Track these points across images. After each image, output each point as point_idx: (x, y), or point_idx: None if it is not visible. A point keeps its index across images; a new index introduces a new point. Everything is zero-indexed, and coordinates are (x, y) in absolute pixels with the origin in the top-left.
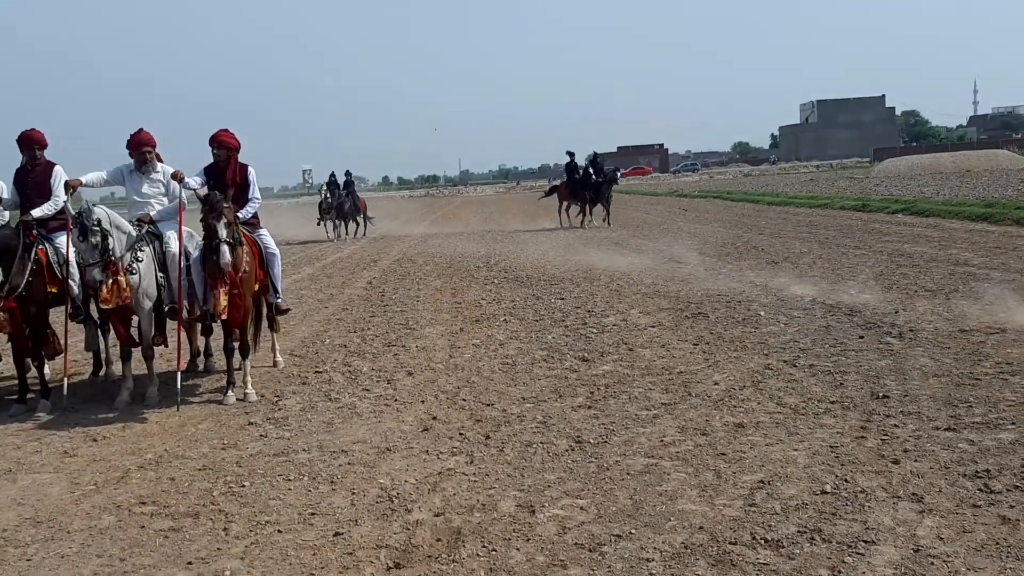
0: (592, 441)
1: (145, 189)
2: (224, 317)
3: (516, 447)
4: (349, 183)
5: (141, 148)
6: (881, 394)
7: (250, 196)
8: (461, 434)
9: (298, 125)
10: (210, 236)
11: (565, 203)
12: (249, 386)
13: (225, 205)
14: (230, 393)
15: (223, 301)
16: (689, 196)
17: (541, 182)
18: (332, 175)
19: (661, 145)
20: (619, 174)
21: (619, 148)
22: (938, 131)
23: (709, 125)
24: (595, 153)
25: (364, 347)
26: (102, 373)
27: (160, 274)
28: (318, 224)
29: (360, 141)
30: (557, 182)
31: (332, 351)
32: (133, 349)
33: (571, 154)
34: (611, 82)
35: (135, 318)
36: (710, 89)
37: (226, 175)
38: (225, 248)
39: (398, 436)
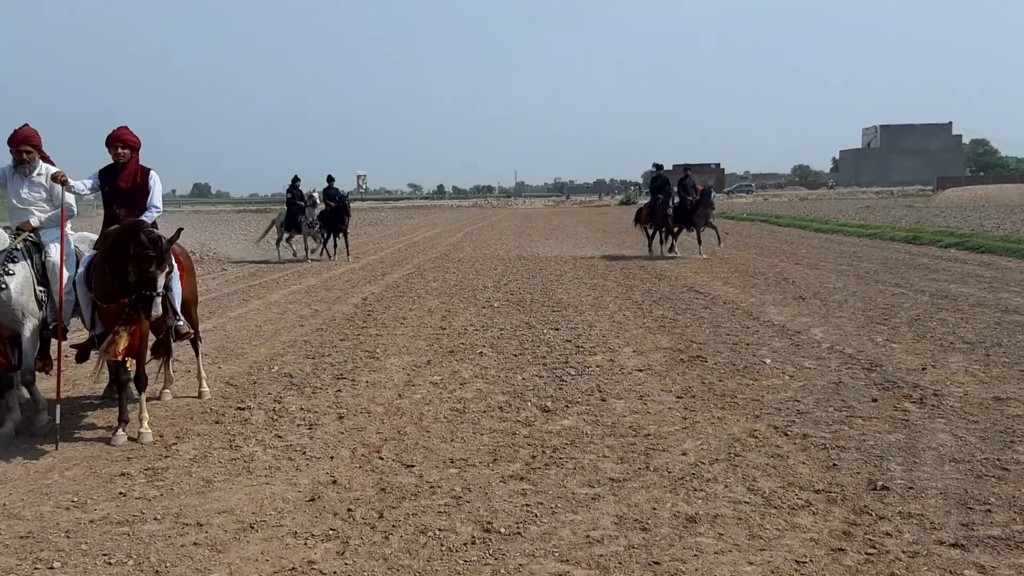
0: (503, 531)
1: (25, 193)
2: (119, 358)
3: (407, 533)
4: (340, 194)
5: (19, 146)
6: (880, 484)
7: (148, 204)
8: (350, 510)
9: (355, 131)
10: (147, 286)
11: (650, 226)
12: (145, 424)
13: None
14: (120, 432)
15: (123, 344)
16: (736, 219)
17: (592, 197)
18: (295, 179)
19: (718, 164)
20: (713, 196)
21: (675, 166)
22: (1007, 161)
23: (769, 146)
24: (686, 168)
25: (311, 379)
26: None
27: (40, 288)
28: (278, 242)
29: (418, 149)
30: (642, 203)
31: (273, 381)
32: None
33: (658, 167)
34: (672, 99)
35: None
36: (772, 110)
37: (121, 177)
38: (159, 301)
39: (275, 507)
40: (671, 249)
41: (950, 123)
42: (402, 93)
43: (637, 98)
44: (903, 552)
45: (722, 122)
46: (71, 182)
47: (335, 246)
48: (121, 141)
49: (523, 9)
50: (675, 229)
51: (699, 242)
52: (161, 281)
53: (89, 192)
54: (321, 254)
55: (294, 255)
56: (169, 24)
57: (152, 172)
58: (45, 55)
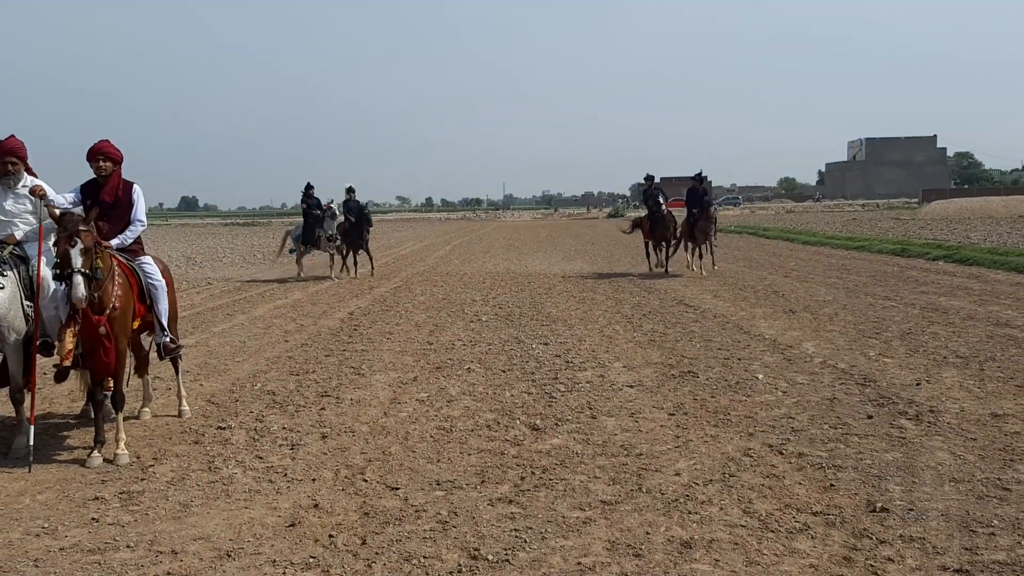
0: (490, 557)
1: (9, 206)
2: (67, 363)
3: (391, 561)
4: (360, 206)
5: (4, 158)
6: (880, 505)
7: (133, 218)
8: (332, 536)
9: (343, 143)
10: (62, 264)
11: (651, 241)
12: (121, 445)
13: (83, 228)
14: (95, 454)
15: (69, 344)
16: (723, 231)
17: (580, 210)
18: (308, 187)
19: (705, 177)
20: (713, 206)
21: (661, 179)
22: (991, 174)
23: (756, 159)
24: (700, 175)
25: (294, 396)
26: None
27: (28, 304)
28: (298, 259)
29: (407, 162)
30: (636, 215)
31: (255, 399)
32: None
33: (649, 178)
34: (659, 113)
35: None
36: (758, 123)
37: (104, 191)
38: (79, 280)
39: (254, 533)
40: (686, 265)
41: (935, 136)
42: (390, 106)
43: (625, 111)
44: None
45: (709, 135)
46: (50, 196)
47: (355, 263)
48: (103, 154)
49: (511, 22)
50: (685, 243)
51: (700, 256)
52: (76, 259)
53: (70, 207)
54: (341, 270)
55: (299, 275)
56: (157, 37)
57: (135, 186)
58: (32, 66)
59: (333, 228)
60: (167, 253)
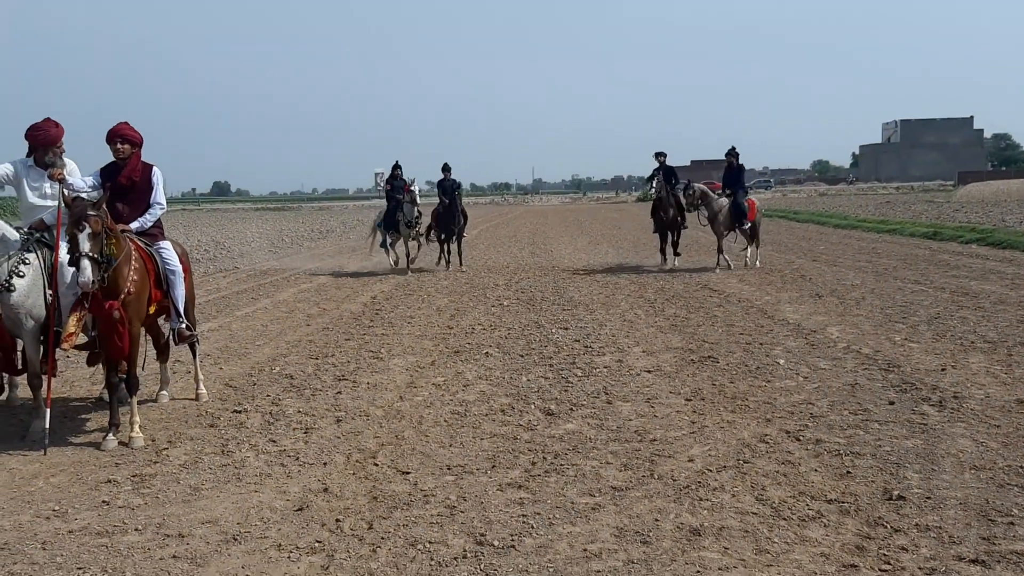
0: (496, 544)
1: (49, 189)
2: (67, 346)
3: (396, 546)
4: (456, 187)
5: (51, 148)
6: (896, 493)
7: (152, 200)
8: (339, 521)
9: (373, 128)
10: (71, 248)
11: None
12: (136, 428)
13: (91, 213)
14: (110, 437)
15: (71, 327)
16: None
17: (609, 194)
18: (395, 167)
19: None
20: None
21: (692, 161)
22: None
23: (789, 141)
24: (733, 150)
25: (311, 380)
26: (3, 397)
27: (52, 292)
28: (385, 246)
29: (436, 146)
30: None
31: (273, 383)
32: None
33: (660, 155)
34: (690, 94)
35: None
36: (791, 105)
37: (122, 174)
38: (86, 264)
39: (262, 517)
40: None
41: (971, 117)
42: (419, 90)
43: (655, 93)
44: (920, 568)
45: (741, 117)
46: (69, 180)
47: (448, 251)
48: (120, 136)
49: (540, 3)
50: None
51: (744, 248)
52: (84, 244)
53: (89, 190)
54: (438, 262)
55: (394, 263)
56: (189, 23)
57: (155, 168)
58: (63, 51)
59: (413, 214)
60: (196, 238)
